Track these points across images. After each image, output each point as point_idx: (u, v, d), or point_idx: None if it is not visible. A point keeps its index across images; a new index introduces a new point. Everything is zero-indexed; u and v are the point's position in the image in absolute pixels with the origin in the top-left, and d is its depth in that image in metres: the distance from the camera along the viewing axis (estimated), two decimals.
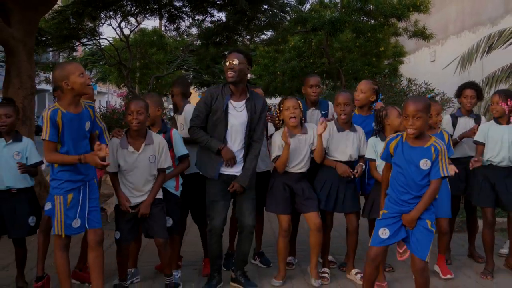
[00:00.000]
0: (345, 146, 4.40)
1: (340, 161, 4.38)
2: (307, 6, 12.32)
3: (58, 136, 3.51)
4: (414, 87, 11.06)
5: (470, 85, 5.16)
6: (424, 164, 3.37)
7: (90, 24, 11.88)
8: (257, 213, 4.45)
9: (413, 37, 12.02)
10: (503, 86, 8.20)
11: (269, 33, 13.27)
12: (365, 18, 11.12)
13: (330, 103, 5.03)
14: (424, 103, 3.41)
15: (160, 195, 4.05)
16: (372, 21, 11.25)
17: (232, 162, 4.10)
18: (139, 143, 3.91)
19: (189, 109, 4.56)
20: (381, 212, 3.59)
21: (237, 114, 4.15)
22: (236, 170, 4.19)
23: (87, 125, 3.63)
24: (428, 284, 3.46)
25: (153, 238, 4.05)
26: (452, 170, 3.97)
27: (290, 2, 10.80)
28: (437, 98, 10.66)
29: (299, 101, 4.32)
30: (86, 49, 14.31)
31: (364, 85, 4.78)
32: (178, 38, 15.35)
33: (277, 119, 4.44)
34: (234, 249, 4.75)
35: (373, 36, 11.78)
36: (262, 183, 4.48)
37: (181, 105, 4.69)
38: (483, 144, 4.63)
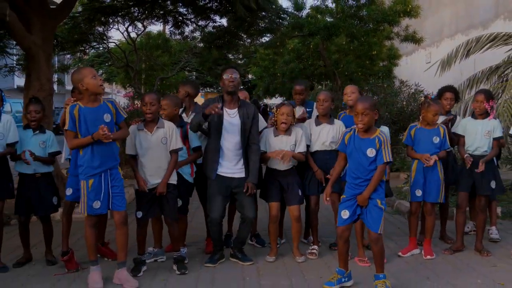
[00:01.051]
0: (317, 136, 5.15)
1: (319, 150, 5.14)
2: (305, 12, 12.98)
3: (76, 126, 4.24)
4: (404, 88, 11.69)
5: (449, 88, 5.84)
6: (370, 152, 4.09)
7: (100, 29, 12.57)
8: None
9: (404, 41, 12.63)
10: (482, 87, 8.85)
11: (268, 37, 13.97)
12: (358, 23, 11.76)
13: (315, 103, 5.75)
14: (370, 102, 4.13)
15: (174, 181, 4.69)
16: (365, 26, 11.88)
17: (216, 108, 4.62)
18: (152, 127, 4.60)
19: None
20: (341, 197, 4.30)
21: (231, 119, 4.90)
22: (232, 171, 4.90)
23: (106, 116, 4.30)
24: (383, 252, 4.17)
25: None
26: (432, 159, 4.95)
27: (287, 8, 11.46)
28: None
29: (293, 109, 5.05)
30: (93, 50, 14.92)
31: (352, 87, 5.44)
32: (181, 41, 16.07)
33: (273, 119, 5.14)
34: (232, 230, 5.57)
35: (366, 40, 12.42)
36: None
37: (189, 105, 5.42)
38: (463, 137, 5.28)
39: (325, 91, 5.37)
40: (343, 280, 4.25)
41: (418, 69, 18.68)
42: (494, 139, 5.22)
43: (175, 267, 4.70)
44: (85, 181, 4.28)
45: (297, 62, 16.14)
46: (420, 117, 5.23)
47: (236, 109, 4.94)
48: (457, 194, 5.45)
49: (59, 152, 5.09)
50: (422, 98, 5.30)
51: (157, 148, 4.60)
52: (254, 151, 4.94)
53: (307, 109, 5.58)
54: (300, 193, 5.06)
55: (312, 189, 5.22)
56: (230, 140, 4.89)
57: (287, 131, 5.00)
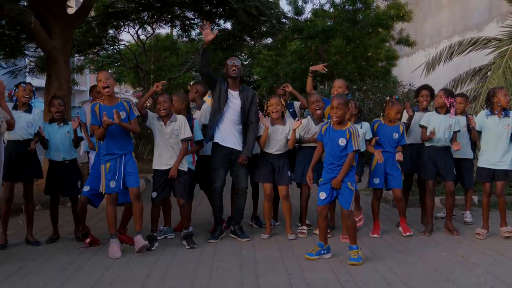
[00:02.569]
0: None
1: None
2: (305, 16, 13.70)
3: (98, 120, 5.10)
4: (399, 88, 12.37)
5: (425, 86, 6.55)
6: (341, 141, 4.87)
7: (111, 32, 13.31)
8: (253, 188, 6.22)
9: (398, 44, 13.30)
10: (466, 87, 9.53)
11: (271, 39, 14.67)
12: (354, 27, 12.45)
13: (295, 102, 6.68)
14: (344, 99, 4.90)
15: (185, 167, 5.43)
16: (361, 30, 12.57)
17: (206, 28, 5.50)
18: (166, 121, 5.37)
19: (205, 107, 6.21)
20: (319, 180, 5.06)
21: (234, 100, 5.74)
22: (231, 144, 5.70)
23: (122, 114, 5.13)
24: (354, 226, 4.94)
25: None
26: (400, 157, 5.75)
27: (288, 13, 12.17)
28: None
29: (281, 100, 5.81)
30: (104, 52, 15.66)
31: (340, 82, 6.13)
32: (188, 43, 16.79)
33: (265, 111, 5.88)
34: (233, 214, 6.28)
35: (361, 43, 13.12)
36: (252, 163, 5.94)
37: (198, 103, 6.23)
38: (426, 128, 5.97)
39: (315, 93, 6.10)
40: (322, 252, 4.99)
41: (418, 69, 19.40)
42: (455, 132, 5.92)
43: (184, 242, 5.43)
44: (103, 164, 5.16)
45: (299, 63, 16.82)
46: (384, 114, 5.97)
47: (238, 91, 5.76)
48: (425, 182, 6.14)
49: (81, 138, 5.96)
50: (388, 98, 6.05)
51: (170, 139, 5.36)
52: (251, 129, 5.76)
53: (289, 110, 6.37)
54: (289, 174, 5.80)
55: (305, 178, 5.93)
56: (231, 117, 5.70)
57: (282, 121, 5.75)
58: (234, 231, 5.84)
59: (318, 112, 5.83)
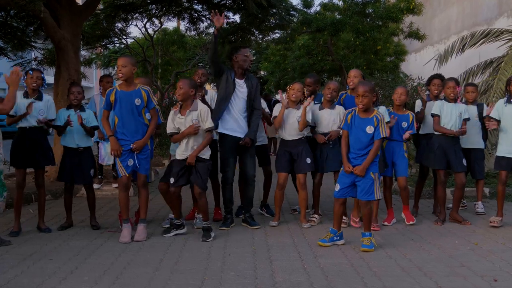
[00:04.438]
0: (324, 120, 5.83)
1: (323, 133, 5.80)
2: (314, 9, 13.64)
3: (112, 107, 5.12)
4: (409, 82, 12.28)
5: (437, 76, 6.50)
6: (369, 129, 4.82)
7: (119, 25, 13.32)
8: (266, 177, 6.29)
9: (408, 38, 13.22)
10: (477, 79, 9.46)
11: (279, 33, 14.62)
12: (364, 20, 12.38)
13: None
14: (370, 86, 4.83)
15: (206, 155, 5.25)
16: (371, 23, 12.51)
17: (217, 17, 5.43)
18: (185, 111, 5.21)
19: (212, 94, 6.18)
20: (341, 169, 5.03)
21: (241, 89, 5.75)
22: (237, 132, 5.69)
23: (137, 101, 5.11)
24: (370, 214, 4.93)
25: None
26: (407, 135, 5.71)
27: (297, 6, 12.12)
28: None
29: (303, 88, 5.84)
30: (111, 46, 15.69)
31: (356, 72, 6.10)
32: (196, 37, 16.78)
33: (286, 93, 5.89)
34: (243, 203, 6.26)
35: (371, 36, 13.05)
36: (260, 153, 5.97)
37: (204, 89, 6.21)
38: (439, 116, 5.91)
39: (332, 81, 6.14)
40: (335, 238, 4.96)
41: (427, 65, 19.29)
42: (464, 119, 5.86)
43: (202, 236, 5.22)
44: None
45: (307, 57, 16.74)
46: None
47: (244, 80, 5.76)
48: (436, 172, 6.10)
49: (97, 127, 5.93)
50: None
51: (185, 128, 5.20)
52: (255, 115, 5.78)
53: (315, 102, 6.27)
54: (309, 161, 5.74)
55: (318, 167, 5.91)
56: (238, 106, 5.70)
57: (296, 106, 5.73)
58: (244, 219, 5.83)
59: (328, 97, 5.83)
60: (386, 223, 5.85)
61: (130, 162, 5.16)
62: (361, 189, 4.85)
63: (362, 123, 4.87)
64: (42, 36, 11.22)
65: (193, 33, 14.11)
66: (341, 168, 5.05)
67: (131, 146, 5.13)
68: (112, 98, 5.13)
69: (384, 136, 4.82)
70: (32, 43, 11.05)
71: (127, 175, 5.15)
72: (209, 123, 5.22)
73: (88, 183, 5.84)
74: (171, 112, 5.33)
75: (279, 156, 5.85)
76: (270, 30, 12.87)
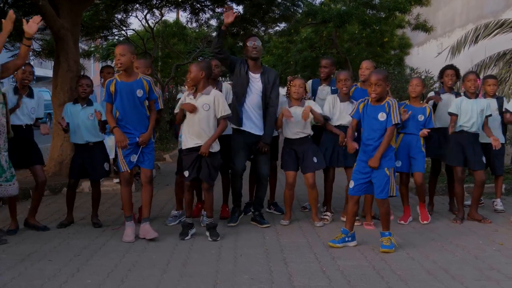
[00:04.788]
0: (346, 113, 5.47)
1: (343, 125, 5.48)
2: (319, 0, 13.31)
3: (113, 99, 4.81)
4: (415, 75, 12.01)
5: (450, 66, 6.19)
6: (381, 116, 4.54)
7: (119, 16, 12.99)
8: (271, 173, 5.78)
9: (415, 30, 12.93)
10: (489, 72, 9.18)
11: (282, 25, 14.31)
12: (371, 12, 12.09)
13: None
14: (383, 75, 4.55)
15: (215, 148, 4.89)
16: (378, 14, 12.21)
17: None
18: (196, 94, 4.89)
19: (228, 87, 5.80)
20: (354, 164, 4.75)
21: (255, 83, 5.40)
22: (252, 128, 5.39)
23: (139, 92, 4.81)
24: (388, 213, 4.61)
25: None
26: (423, 134, 5.38)
27: None
28: (436, 85, 11.61)
29: (304, 83, 5.51)
30: (110, 38, 15.36)
31: (368, 63, 5.82)
32: (197, 30, 16.47)
33: (287, 91, 5.56)
34: (252, 199, 5.95)
35: (378, 28, 12.75)
36: (270, 147, 5.59)
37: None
38: (456, 115, 5.64)
39: (343, 71, 5.80)
40: (346, 239, 4.67)
41: (429, 59, 19.02)
42: (486, 116, 5.57)
43: (207, 233, 4.94)
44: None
45: (310, 50, 16.48)
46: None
47: (259, 74, 5.42)
48: (453, 169, 5.80)
49: (106, 122, 5.51)
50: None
51: (198, 113, 4.85)
52: (270, 113, 5.42)
53: (332, 87, 5.97)
54: (315, 160, 5.44)
55: (331, 161, 5.60)
56: (252, 101, 5.37)
57: (300, 103, 5.41)
58: (254, 218, 5.55)
59: (344, 89, 5.52)
60: (402, 221, 5.55)
61: (133, 158, 4.85)
62: (377, 186, 4.57)
63: (374, 111, 4.59)
64: (40, 27, 10.92)
65: (194, 25, 13.81)
66: (355, 164, 4.76)
67: (137, 139, 4.83)
68: (112, 89, 4.81)
69: (396, 122, 4.51)
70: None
71: (129, 170, 4.86)
72: (223, 111, 4.88)
73: (100, 178, 5.57)
74: (185, 93, 5.04)
75: (284, 155, 5.55)
76: (274, 22, 12.58)
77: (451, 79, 6.04)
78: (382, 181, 4.53)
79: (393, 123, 4.50)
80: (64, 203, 5.62)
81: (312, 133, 5.52)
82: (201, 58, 21.17)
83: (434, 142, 5.86)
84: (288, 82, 5.53)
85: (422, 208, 5.65)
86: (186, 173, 4.94)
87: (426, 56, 18.79)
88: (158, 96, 5.14)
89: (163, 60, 17.03)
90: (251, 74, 5.41)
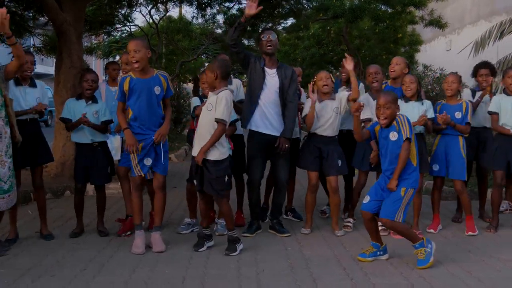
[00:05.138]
0: None
1: None
2: None
3: (126, 97, 4.41)
4: (429, 73, 11.61)
5: (483, 64, 5.75)
6: (392, 136, 4.13)
7: (123, 12, 12.58)
8: (290, 177, 5.31)
9: (428, 26, 12.51)
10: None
11: (289, 21, 13.90)
12: (383, 7, 11.67)
13: (361, 84, 5.75)
14: (392, 96, 4.14)
15: (217, 156, 4.31)
16: (391, 9, 11.79)
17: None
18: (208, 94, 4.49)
19: (237, 82, 5.50)
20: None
21: (271, 79, 4.98)
22: (268, 129, 4.94)
23: (156, 89, 4.40)
24: (403, 230, 4.15)
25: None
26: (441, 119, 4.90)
27: None
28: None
29: (330, 74, 5.08)
30: (114, 34, 14.96)
31: (399, 59, 5.41)
32: (203, 25, 16.05)
33: (313, 87, 5.12)
34: (268, 203, 5.59)
35: (391, 23, 12.32)
36: (291, 149, 5.13)
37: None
38: (497, 114, 5.22)
39: (374, 64, 5.37)
40: (377, 253, 4.26)
41: (438, 56, 18.55)
42: None
43: (226, 251, 4.41)
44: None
45: (317, 47, 16.08)
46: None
47: (275, 69, 5.02)
48: (493, 173, 5.39)
49: (111, 121, 5.09)
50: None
51: (203, 114, 4.42)
52: (290, 109, 4.99)
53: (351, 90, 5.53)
54: (340, 163, 5.02)
55: (365, 165, 5.19)
56: (268, 98, 4.96)
57: (331, 96, 5.00)
58: (272, 226, 5.14)
59: (375, 84, 5.12)
60: (432, 230, 5.15)
61: (148, 162, 4.45)
62: (385, 204, 4.11)
63: (386, 133, 4.19)
64: (41, 22, 10.53)
65: (200, 20, 13.41)
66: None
67: (153, 138, 4.41)
68: (126, 87, 4.40)
69: (408, 136, 4.06)
70: (31, 29, 10.34)
71: (143, 175, 4.46)
72: (220, 113, 4.25)
73: (105, 183, 5.14)
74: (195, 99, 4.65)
75: (306, 152, 5.11)
76: (283, 18, 12.18)
77: (485, 79, 5.61)
78: (391, 200, 4.08)
79: (404, 138, 4.07)
80: (68, 207, 5.25)
81: (337, 133, 5.11)
82: (205, 55, 20.82)
83: (470, 144, 5.42)
84: (313, 80, 5.13)
85: (469, 221, 5.14)
86: (196, 182, 4.53)
87: (434, 53, 18.36)
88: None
89: (167, 57, 16.59)
90: (266, 70, 5.00)
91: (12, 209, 4.71)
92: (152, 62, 15.02)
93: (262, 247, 4.62)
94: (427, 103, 5.10)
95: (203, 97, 5.05)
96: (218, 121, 4.29)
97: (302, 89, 5.32)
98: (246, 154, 5.14)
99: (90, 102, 5.01)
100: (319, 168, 5.06)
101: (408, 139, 4.07)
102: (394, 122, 4.13)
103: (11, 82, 4.81)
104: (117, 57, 23.10)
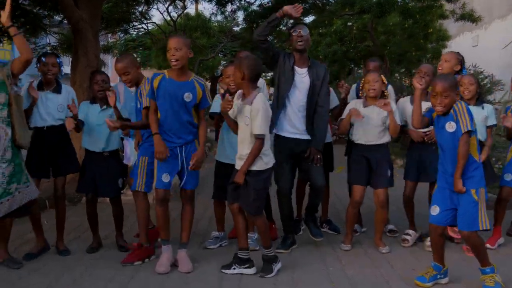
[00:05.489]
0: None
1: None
2: None
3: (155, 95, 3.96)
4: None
5: None
6: (449, 126, 3.57)
7: (140, 9, 12.24)
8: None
9: (460, 20, 11.92)
10: None
11: (310, 18, 13.42)
12: (412, 2, 11.16)
13: (389, 86, 5.24)
14: (450, 82, 3.56)
15: (259, 166, 3.86)
16: (420, 3, 11.25)
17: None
18: (245, 99, 3.95)
19: (262, 81, 4.89)
20: (434, 187, 3.81)
21: (302, 79, 4.49)
22: (296, 133, 4.49)
23: (187, 96, 3.95)
24: (479, 246, 3.61)
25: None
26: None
27: None
28: (486, 80, 10.64)
29: (381, 76, 4.57)
30: (130, 32, 14.61)
31: (448, 55, 4.85)
32: (219, 23, 15.64)
33: (360, 89, 4.69)
34: (301, 215, 5.13)
35: (421, 18, 11.76)
36: (323, 154, 4.68)
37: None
38: None
39: (425, 63, 4.85)
40: (438, 276, 3.76)
41: (463, 53, 17.89)
42: None
43: (260, 273, 3.96)
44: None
45: (339, 44, 15.57)
46: None
47: (306, 68, 4.53)
48: None
49: (128, 119, 4.57)
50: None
51: (242, 129, 3.93)
52: (320, 115, 4.52)
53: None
54: (389, 174, 4.54)
55: (419, 176, 4.74)
56: (297, 100, 4.49)
57: (378, 101, 4.48)
58: (306, 222, 4.72)
59: (422, 85, 4.61)
60: (488, 245, 4.55)
61: (166, 178, 3.98)
62: (460, 213, 3.57)
63: (443, 122, 3.64)
64: (55, 21, 10.20)
65: (219, 17, 13.00)
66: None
67: (190, 164, 3.99)
68: (155, 84, 3.94)
69: (466, 130, 3.48)
70: (47, 27, 10.01)
71: (162, 190, 4.01)
72: (258, 128, 3.77)
73: (115, 195, 4.67)
74: (237, 93, 4.02)
75: (353, 165, 4.63)
76: (305, 14, 11.69)
77: None
78: (468, 208, 3.53)
79: (463, 131, 3.51)
80: (85, 216, 4.76)
81: (390, 139, 4.63)
82: (222, 53, 20.41)
83: None
84: (361, 81, 4.66)
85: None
86: (228, 198, 4.05)
87: (459, 50, 17.68)
88: None
89: None
90: (296, 69, 4.51)
91: (32, 217, 4.35)
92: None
93: (300, 265, 4.16)
94: (489, 108, 4.62)
95: (228, 93, 4.56)
96: (257, 137, 3.81)
97: (331, 89, 4.85)
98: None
99: (105, 106, 4.55)
100: (366, 181, 4.57)
101: (468, 132, 3.52)
102: (452, 110, 3.58)
103: (34, 85, 4.43)
104: (134, 55, 22.86)
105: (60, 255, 4.43)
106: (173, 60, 3.86)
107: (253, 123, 3.80)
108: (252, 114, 3.80)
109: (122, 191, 4.78)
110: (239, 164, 3.89)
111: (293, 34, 4.51)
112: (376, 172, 4.52)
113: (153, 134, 3.94)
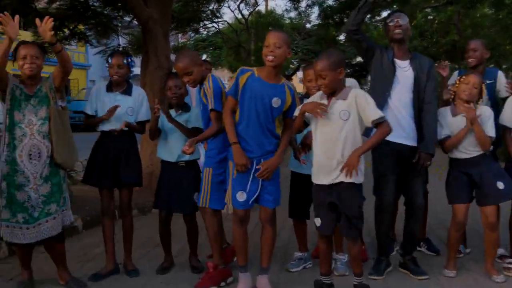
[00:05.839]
0: None
1: None
2: None
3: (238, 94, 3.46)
4: None
5: None
6: None
7: (210, 8, 12.03)
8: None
9: None
10: None
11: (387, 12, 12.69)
12: None
13: (500, 72, 4.58)
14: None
15: (362, 177, 3.35)
16: None
17: None
18: (332, 98, 3.40)
19: None
20: None
21: (403, 73, 3.94)
22: (400, 137, 3.85)
23: (276, 101, 3.43)
24: None
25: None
26: None
27: None
28: None
29: (482, 81, 3.91)
30: (201, 31, 14.49)
31: (474, 43, 4.38)
32: (292, 20, 15.19)
33: (451, 90, 4.03)
34: (394, 233, 4.53)
35: None
36: None
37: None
38: None
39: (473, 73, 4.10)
40: None
41: None
42: None
43: None
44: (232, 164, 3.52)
45: (420, 39, 14.74)
46: None
47: (408, 61, 3.96)
48: None
49: (200, 130, 4.03)
50: None
51: (331, 123, 3.33)
52: (429, 112, 3.91)
53: (488, 81, 4.35)
54: (501, 186, 3.79)
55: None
56: (400, 98, 3.92)
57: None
58: (404, 263, 4.04)
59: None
60: None
61: (241, 196, 3.47)
62: None
63: None
64: (125, 22, 10.12)
65: (292, 14, 12.55)
66: None
67: (257, 168, 3.46)
68: (241, 81, 3.44)
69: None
70: (117, 29, 9.95)
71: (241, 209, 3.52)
72: (374, 112, 3.26)
73: (191, 211, 4.19)
74: (317, 94, 3.49)
75: (452, 182, 3.95)
76: (387, 6, 10.99)
77: None
78: None
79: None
80: (156, 228, 4.33)
81: (491, 148, 3.93)
82: (293, 51, 19.94)
83: None
84: (457, 80, 3.98)
85: None
86: (318, 222, 3.42)
87: None
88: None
89: (256, 54, 15.91)
90: (397, 62, 3.94)
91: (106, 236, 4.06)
92: (241, 60, 14.42)
93: None
94: None
95: (306, 98, 4.03)
96: (379, 121, 3.24)
97: None
98: (374, 171, 4.05)
99: (180, 111, 4.11)
100: (469, 198, 3.89)
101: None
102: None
103: (102, 87, 4.11)
104: (204, 56, 22.87)
105: (128, 276, 4.04)
106: (270, 56, 3.35)
107: (365, 111, 3.25)
108: (357, 102, 3.25)
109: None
110: (331, 178, 3.30)
111: (389, 24, 3.98)
112: (480, 186, 3.83)
113: (232, 144, 3.44)
